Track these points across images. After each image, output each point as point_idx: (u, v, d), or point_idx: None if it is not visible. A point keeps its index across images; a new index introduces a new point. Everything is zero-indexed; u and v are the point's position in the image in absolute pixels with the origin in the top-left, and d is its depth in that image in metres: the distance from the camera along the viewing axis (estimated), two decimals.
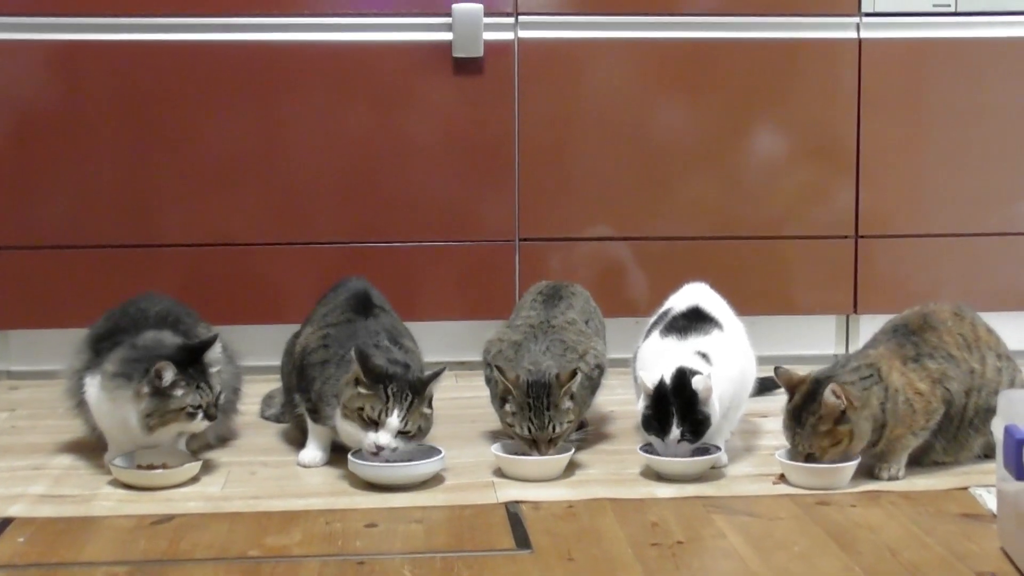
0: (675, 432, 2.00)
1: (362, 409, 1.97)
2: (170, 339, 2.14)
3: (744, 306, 2.29)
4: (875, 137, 2.83)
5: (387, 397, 1.97)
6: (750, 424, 2.35)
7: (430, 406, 2.03)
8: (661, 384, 2.00)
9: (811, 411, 1.97)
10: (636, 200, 2.80)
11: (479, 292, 2.78)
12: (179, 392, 2.04)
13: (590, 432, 2.34)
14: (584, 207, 2.80)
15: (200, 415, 2.06)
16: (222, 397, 2.12)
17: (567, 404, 2.07)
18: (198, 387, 2.05)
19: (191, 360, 2.06)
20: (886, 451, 2.04)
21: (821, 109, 2.82)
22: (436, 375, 2.02)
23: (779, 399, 2.10)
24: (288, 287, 2.74)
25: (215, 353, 2.11)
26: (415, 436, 2.00)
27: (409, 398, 1.98)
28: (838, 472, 2.00)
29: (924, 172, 2.86)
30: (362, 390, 1.97)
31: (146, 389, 2.03)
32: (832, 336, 2.91)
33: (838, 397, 1.95)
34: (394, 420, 1.96)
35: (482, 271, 2.79)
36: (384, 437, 1.96)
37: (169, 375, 2.03)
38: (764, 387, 2.37)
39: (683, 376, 2.00)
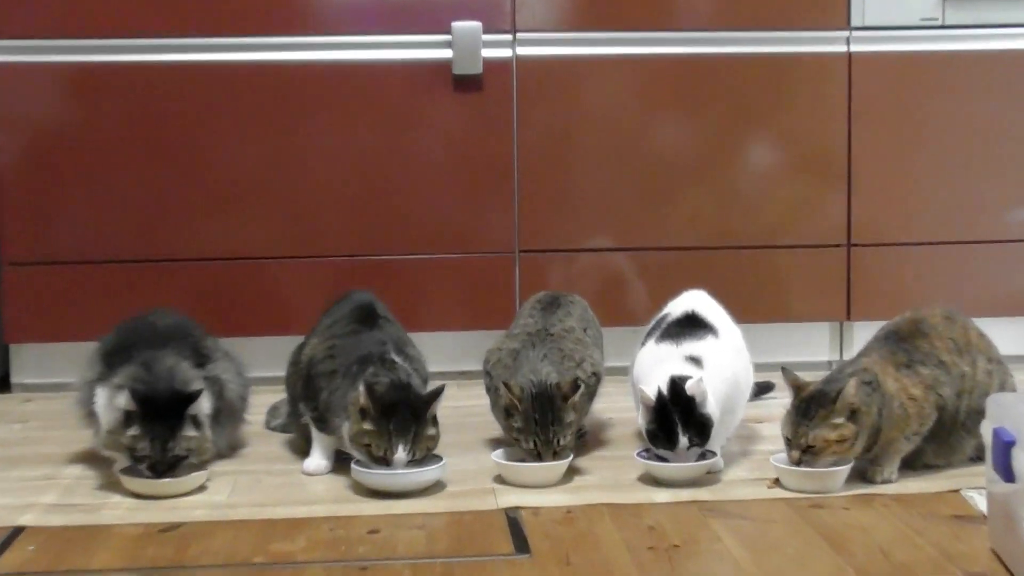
0: (683, 440, 1.99)
1: (369, 446, 1.96)
2: (183, 372, 2.09)
3: (739, 313, 2.28)
4: (866, 147, 2.82)
5: (390, 434, 1.95)
6: (746, 429, 2.33)
7: (435, 424, 2.01)
8: (660, 396, 1.98)
9: (822, 404, 1.95)
10: (634, 211, 2.79)
11: (480, 303, 2.77)
12: (131, 432, 1.99)
13: (588, 438, 2.33)
14: (583, 219, 2.79)
15: (145, 464, 1.99)
16: (195, 456, 2.03)
17: (570, 417, 2.05)
18: (152, 439, 1.99)
19: (169, 408, 2.00)
20: (879, 455, 2.03)
21: (813, 121, 2.81)
22: (436, 395, 2.00)
23: (776, 404, 2.08)
24: (294, 299, 2.73)
25: (202, 408, 2.04)
26: (422, 459, 1.99)
27: (412, 429, 1.96)
28: (832, 475, 1.99)
29: (914, 180, 2.84)
30: (367, 425, 1.95)
31: (120, 408, 2.01)
32: (826, 343, 2.89)
33: (855, 393, 1.94)
34: (400, 455, 1.96)
35: (483, 283, 2.77)
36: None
37: (123, 401, 1.99)
38: (761, 390, 2.36)
39: (676, 385, 1.98)
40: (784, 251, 2.81)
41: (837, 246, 2.83)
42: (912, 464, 2.07)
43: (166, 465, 2.01)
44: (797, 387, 2.00)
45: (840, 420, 1.94)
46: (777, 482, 2.03)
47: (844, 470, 1.99)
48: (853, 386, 1.94)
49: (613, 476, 2.10)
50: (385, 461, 1.96)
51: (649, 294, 2.73)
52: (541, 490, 2.03)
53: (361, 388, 1.97)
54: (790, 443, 1.99)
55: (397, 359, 2.07)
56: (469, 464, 2.16)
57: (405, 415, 1.96)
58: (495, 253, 2.78)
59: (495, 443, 2.26)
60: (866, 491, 1.99)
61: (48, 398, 2.68)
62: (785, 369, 2.05)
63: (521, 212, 2.77)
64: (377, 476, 1.98)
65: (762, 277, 2.81)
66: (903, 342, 2.10)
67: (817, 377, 2.06)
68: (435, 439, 2.02)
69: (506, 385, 2.06)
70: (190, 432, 2.02)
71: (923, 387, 2.03)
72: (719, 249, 2.80)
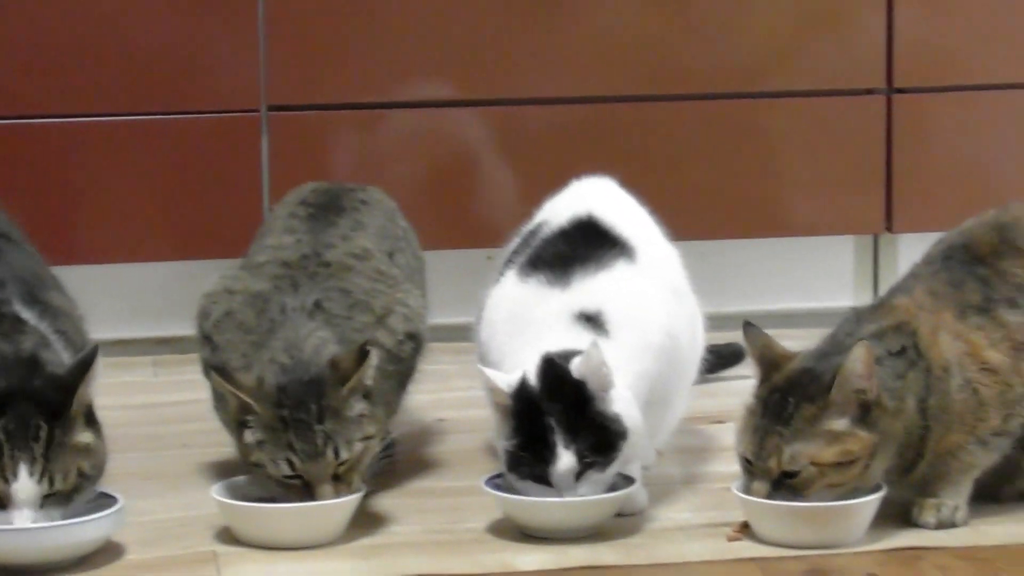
0: (566, 458, 2.01)
1: None
2: None
3: (683, 221, 2.31)
4: None
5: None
6: (694, 435, 2.37)
7: (91, 427, 2.02)
8: (523, 389, 2.01)
9: (808, 393, 1.97)
10: (483, 31, 2.81)
11: (195, 209, 2.78)
12: None
13: (398, 456, 2.32)
14: (386, 47, 2.82)
15: None
16: None
17: (357, 407, 2.07)
18: None
19: None
20: (933, 475, 2.06)
21: None
22: (83, 366, 2.01)
23: (749, 387, 2.08)
24: None
25: None
26: (75, 491, 1.99)
27: (42, 435, 1.95)
28: (844, 515, 2.02)
29: None
30: None
31: None
32: (848, 274, 2.93)
33: (867, 372, 1.96)
34: (24, 486, 1.94)
35: (203, 168, 2.79)
36: (20, 517, 1.96)
37: None
38: (721, 361, 2.41)
39: (553, 366, 2.03)
40: (772, 103, 2.85)
41: (868, 92, 2.86)
42: (995, 492, 2.12)
43: None
44: (768, 362, 2.05)
45: (842, 423, 1.98)
46: (746, 528, 2.06)
47: (867, 504, 2.03)
48: (862, 357, 1.96)
49: (444, 524, 2.15)
50: None
51: (515, 188, 2.78)
52: (305, 552, 2.04)
53: None
54: (751, 466, 2.02)
55: (25, 314, 2.11)
56: (171, 508, 2.21)
57: (25, 414, 1.96)
58: (224, 113, 2.78)
59: (224, 468, 2.29)
60: (910, 542, 2.02)
61: None
62: (749, 325, 2.11)
63: (271, 36, 2.78)
64: None
65: (728, 152, 2.81)
66: (977, 265, 2.15)
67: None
68: (93, 453, 2.02)
69: (220, 374, 2.07)
70: None
71: (1009, 346, 2.07)
72: (651, 101, 2.83)
